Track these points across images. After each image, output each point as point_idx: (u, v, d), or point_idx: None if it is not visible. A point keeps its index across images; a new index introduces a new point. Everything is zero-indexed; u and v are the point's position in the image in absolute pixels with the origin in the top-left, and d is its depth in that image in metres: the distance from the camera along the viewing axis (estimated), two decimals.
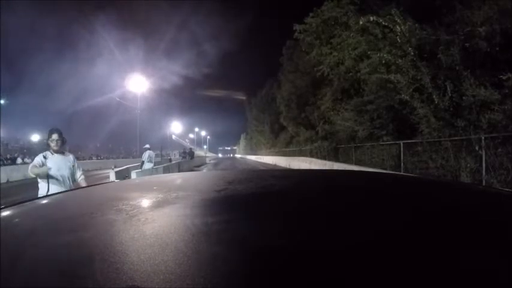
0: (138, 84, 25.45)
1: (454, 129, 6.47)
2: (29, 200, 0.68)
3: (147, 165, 7.81)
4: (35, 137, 40.09)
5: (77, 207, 0.63)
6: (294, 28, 11.18)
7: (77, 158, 2.81)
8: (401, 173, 6.95)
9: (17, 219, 0.57)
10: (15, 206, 0.63)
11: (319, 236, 0.39)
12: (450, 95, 6.31)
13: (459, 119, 6.42)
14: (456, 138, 6.33)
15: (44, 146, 2.80)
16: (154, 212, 0.51)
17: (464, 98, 6.27)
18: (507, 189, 0.82)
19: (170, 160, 14.65)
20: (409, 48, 6.84)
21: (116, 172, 8.00)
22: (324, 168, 9.64)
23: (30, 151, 33.23)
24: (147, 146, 8.15)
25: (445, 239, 0.38)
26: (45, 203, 0.71)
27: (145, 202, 0.61)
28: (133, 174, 7.35)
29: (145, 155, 7.87)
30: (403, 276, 0.28)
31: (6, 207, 0.61)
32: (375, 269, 0.29)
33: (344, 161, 10.28)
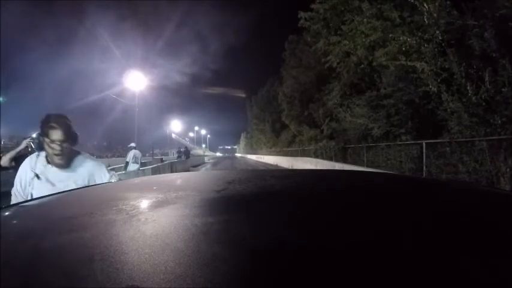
0: (136, 82, 24.42)
1: (490, 127, 5.49)
2: (29, 200, 0.69)
3: (132, 167, 6.82)
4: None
5: (77, 207, 0.62)
6: (299, 16, 10.19)
7: None
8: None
9: (17, 219, 0.57)
10: (15, 206, 0.65)
11: (319, 236, 0.38)
12: (488, 86, 5.30)
13: (495, 115, 5.49)
14: (494, 137, 5.33)
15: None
16: (154, 212, 0.50)
17: (503, 89, 5.33)
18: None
19: (162, 160, 13.60)
20: (437, 32, 5.82)
21: None
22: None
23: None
24: (132, 144, 7.15)
25: (445, 239, 0.37)
26: (45, 203, 0.70)
27: (145, 202, 0.60)
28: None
29: (130, 154, 6.86)
30: (403, 277, 0.28)
31: (6, 207, 0.63)
32: (376, 270, 0.29)
33: (354, 163, 9.25)
